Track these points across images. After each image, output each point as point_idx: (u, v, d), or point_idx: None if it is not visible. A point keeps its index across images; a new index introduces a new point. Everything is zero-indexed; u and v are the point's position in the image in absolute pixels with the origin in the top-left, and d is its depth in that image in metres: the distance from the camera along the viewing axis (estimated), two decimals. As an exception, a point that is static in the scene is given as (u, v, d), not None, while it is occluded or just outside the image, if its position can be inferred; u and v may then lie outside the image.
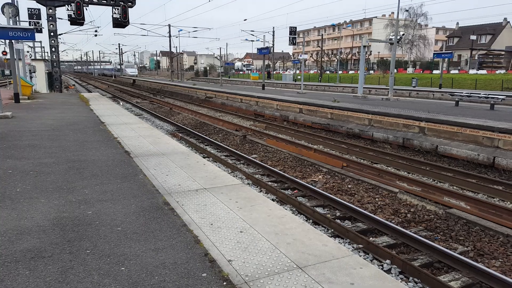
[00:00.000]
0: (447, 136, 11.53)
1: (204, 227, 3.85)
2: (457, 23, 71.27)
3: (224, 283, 2.84)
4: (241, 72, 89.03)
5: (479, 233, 6.19)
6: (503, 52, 54.48)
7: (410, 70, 58.05)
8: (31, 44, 45.82)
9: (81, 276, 2.89)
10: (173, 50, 62.54)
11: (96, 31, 42.56)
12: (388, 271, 4.87)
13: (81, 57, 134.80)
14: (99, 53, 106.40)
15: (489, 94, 17.01)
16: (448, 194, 7.84)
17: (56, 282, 2.79)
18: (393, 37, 22.03)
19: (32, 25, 23.77)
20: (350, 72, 66.48)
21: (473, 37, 52.55)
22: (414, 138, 12.24)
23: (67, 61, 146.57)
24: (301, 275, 3.00)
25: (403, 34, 25.53)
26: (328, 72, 68.86)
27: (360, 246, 5.57)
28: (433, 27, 76.76)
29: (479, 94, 17.55)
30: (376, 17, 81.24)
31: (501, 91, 32.02)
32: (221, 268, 3.06)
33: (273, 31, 53.94)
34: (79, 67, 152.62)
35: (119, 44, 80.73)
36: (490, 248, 5.68)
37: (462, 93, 18.50)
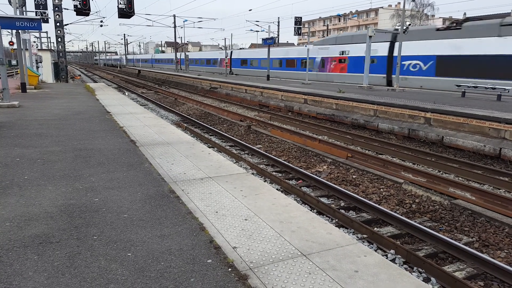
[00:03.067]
0: (453, 127, 11.46)
1: (209, 214, 3.88)
2: (464, 14, 70.16)
3: (229, 269, 2.87)
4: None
5: (484, 224, 6.18)
6: None
7: (416, 61, 57.37)
8: (37, 34, 45.88)
9: (88, 261, 2.93)
10: (178, 40, 62.39)
11: (101, 21, 42.50)
12: (393, 261, 4.89)
13: (86, 47, 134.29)
14: (105, 43, 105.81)
15: (496, 86, 16.80)
16: (454, 185, 7.82)
17: (64, 267, 2.84)
18: (399, 27, 21.79)
19: (39, 15, 23.75)
20: (356, 63, 65.76)
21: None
22: (419, 129, 12.18)
23: (72, 52, 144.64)
24: (306, 262, 3.02)
25: (410, 25, 25.21)
26: (334, 63, 68.19)
27: (365, 236, 5.58)
28: (439, 17, 75.71)
29: (486, 85, 17.34)
30: (382, 7, 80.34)
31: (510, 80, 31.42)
32: (226, 254, 3.09)
33: (278, 22, 53.35)
34: (105, 58, 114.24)
35: (124, 34, 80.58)
36: (496, 239, 5.67)
37: (468, 83, 18.28)
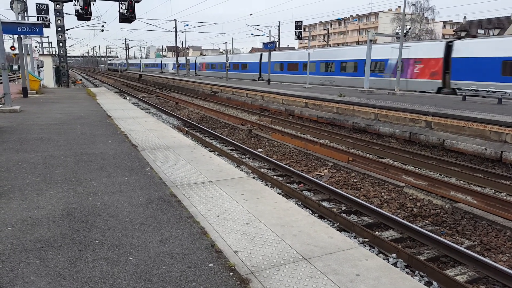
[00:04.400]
0: (454, 130, 11.46)
1: (211, 218, 3.88)
2: (465, 17, 70.45)
3: (231, 273, 2.87)
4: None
5: (486, 227, 6.17)
6: None
7: (417, 64, 57.41)
8: (39, 39, 46.11)
9: (90, 265, 2.94)
10: (179, 45, 62.54)
11: (103, 26, 42.73)
12: (394, 265, 4.88)
13: (87, 52, 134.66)
14: (106, 48, 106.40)
15: (496, 89, 16.81)
16: (455, 188, 7.81)
17: (65, 271, 2.84)
18: (400, 31, 21.84)
19: (40, 20, 23.90)
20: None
21: (481, 31, 51.88)
22: (420, 133, 12.18)
23: (74, 56, 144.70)
24: (307, 266, 3.02)
25: (410, 28, 25.23)
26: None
27: (366, 240, 5.58)
28: (440, 21, 75.89)
29: (487, 88, 17.36)
30: (382, 11, 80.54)
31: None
32: (227, 258, 3.09)
33: (279, 26, 53.45)
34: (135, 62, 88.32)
35: (125, 39, 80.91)
36: (497, 243, 5.66)
37: (469, 87, 18.30)
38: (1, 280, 2.70)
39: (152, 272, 2.87)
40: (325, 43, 71.22)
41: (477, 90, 17.33)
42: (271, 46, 31.09)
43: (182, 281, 2.76)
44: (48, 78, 29.39)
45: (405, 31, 21.71)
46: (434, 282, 4.55)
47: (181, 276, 2.82)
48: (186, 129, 14.51)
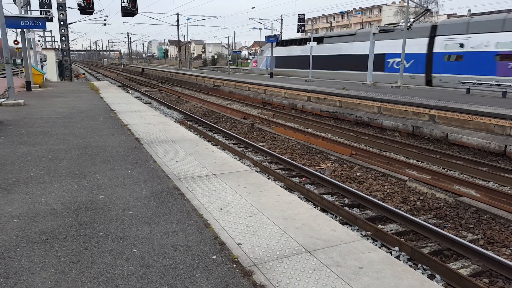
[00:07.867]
0: (457, 124, 11.41)
1: (214, 211, 3.90)
2: (469, 10, 69.64)
3: (234, 265, 2.89)
4: (248, 61, 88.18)
5: (489, 221, 6.16)
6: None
7: (421, 58, 57.06)
8: (42, 33, 46.00)
9: (94, 257, 2.96)
10: (181, 39, 62.43)
11: (105, 20, 42.56)
12: (397, 258, 4.89)
13: (90, 46, 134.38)
14: (108, 42, 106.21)
15: (501, 82, 16.70)
16: (458, 182, 7.79)
17: (70, 263, 2.87)
18: (403, 24, 21.68)
19: (43, 14, 23.87)
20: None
21: (486, 24, 51.34)
22: (424, 126, 12.13)
23: (77, 50, 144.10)
24: (310, 258, 3.03)
25: (413, 21, 24.96)
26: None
27: (369, 233, 5.58)
28: (444, 14, 75.24)
29: (491, 81, 17.25)
30: (386, 4, 79.96)
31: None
32: (230, 251, 3.11)
33: (281, 19, 53.21)
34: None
35: (127, 33, 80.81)
36: (501, 236, 5.65)
37: (473, 80, 18.19)
38: (8, 271, 2.73)
39: (156, 263, 2.89)
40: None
41: (481, 83, 17.21)
42: (273, 40, 30.95)
43: (186, 272, 2.78)
44: (51, 72, 29.43)
45: (408, 24, 21.54)
46: (437, 275, 4.56)
47: (185, 268, 2.84)
48: (189, 122, 14.52)
